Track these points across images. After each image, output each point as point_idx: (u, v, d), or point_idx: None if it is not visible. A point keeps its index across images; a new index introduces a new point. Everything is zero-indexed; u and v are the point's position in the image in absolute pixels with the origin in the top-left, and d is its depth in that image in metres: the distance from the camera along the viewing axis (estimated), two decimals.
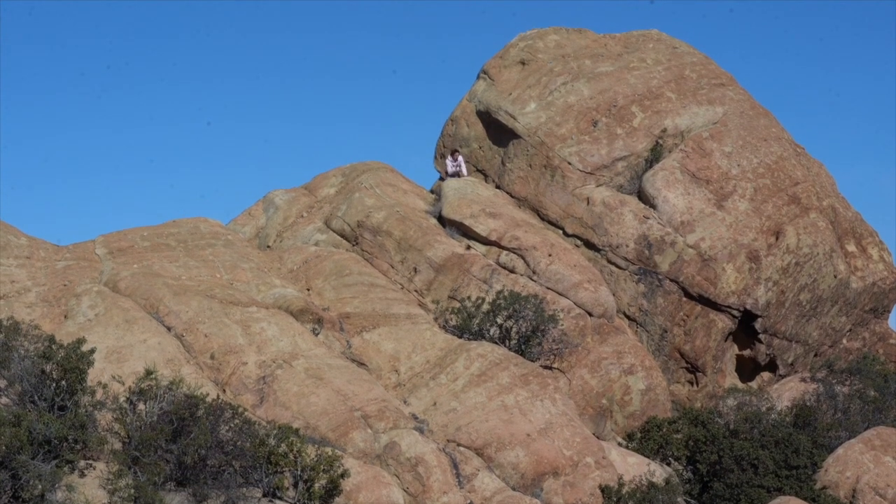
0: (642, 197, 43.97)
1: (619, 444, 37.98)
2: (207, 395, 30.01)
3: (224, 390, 32.72)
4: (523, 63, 47.70)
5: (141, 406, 29.09)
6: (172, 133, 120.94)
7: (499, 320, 37.85)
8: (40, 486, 26.39)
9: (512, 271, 40.48)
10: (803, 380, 42.52)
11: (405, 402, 34.39)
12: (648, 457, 37.05)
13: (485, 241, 41.50)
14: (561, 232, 43.87)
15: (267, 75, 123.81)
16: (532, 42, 48.44)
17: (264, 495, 29.03)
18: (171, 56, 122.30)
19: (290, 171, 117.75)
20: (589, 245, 43.46)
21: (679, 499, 34.64)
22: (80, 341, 29.49)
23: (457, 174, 45.88)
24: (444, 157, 47.76)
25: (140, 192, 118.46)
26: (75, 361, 28.84)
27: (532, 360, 37.10)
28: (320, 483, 29.18)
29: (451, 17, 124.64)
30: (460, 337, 37.37)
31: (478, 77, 48.29)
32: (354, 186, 44.54)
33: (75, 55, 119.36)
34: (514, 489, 32.06)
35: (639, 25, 61.68)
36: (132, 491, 27.17)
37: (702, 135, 45.46)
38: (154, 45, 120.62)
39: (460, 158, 46.21)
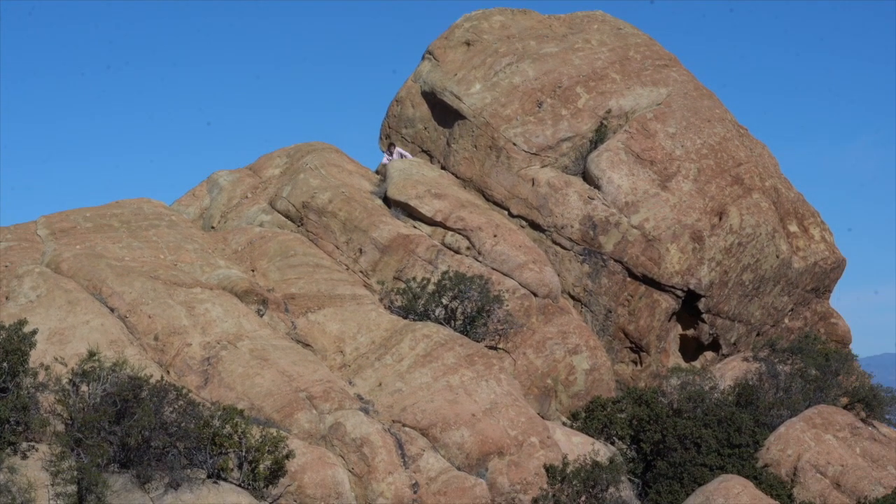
0: (587, 178, 44.10)
1: (564, 424, 38.16)
2: (151, 376, 29.85)
3: (168, 371, 32.56)
4: (468, 44, 47.65)
5: (84, 388, 28.90)
6: (117, 117, 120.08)
7: (444, 301, 37.89)
8: None
9: (457, 252, 40.51)
10: (745, 359, 42.84)
11: (350, 382, 34.37)
12: (593, 436, 37.26)
13: (430, 222, 41.50)
14: (506, 213, 43.93)
15: (209, 57, 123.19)
16: (477, 23, 48.41)
17: (209, 476, 28.92)
18: (122, 42, 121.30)
19: (234, 154, 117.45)
20: (534, 226, 43.55)
21: (623, 477, 34.84)
22: (22, 323, 29.24)
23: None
24: (388, 137, 47.67)
25: (83, 174, 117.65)
26: (17, 343, 28.60)
27: (477, 341, 37.18)
28: (265, 464, 29.14)
29: None
30: (405, 318, 37.38)
31: (423, 58, 48.21)
32: (299, 167, 44.37)
33: (76, 55, 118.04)
34: (459, 469, 32.14)
35: (584, 5, 61.75)
36: (75, 473, 27.01)
37: (646, 116, 45.66)
38: (128, 36, 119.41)
39: (397, 150, 45.96)
